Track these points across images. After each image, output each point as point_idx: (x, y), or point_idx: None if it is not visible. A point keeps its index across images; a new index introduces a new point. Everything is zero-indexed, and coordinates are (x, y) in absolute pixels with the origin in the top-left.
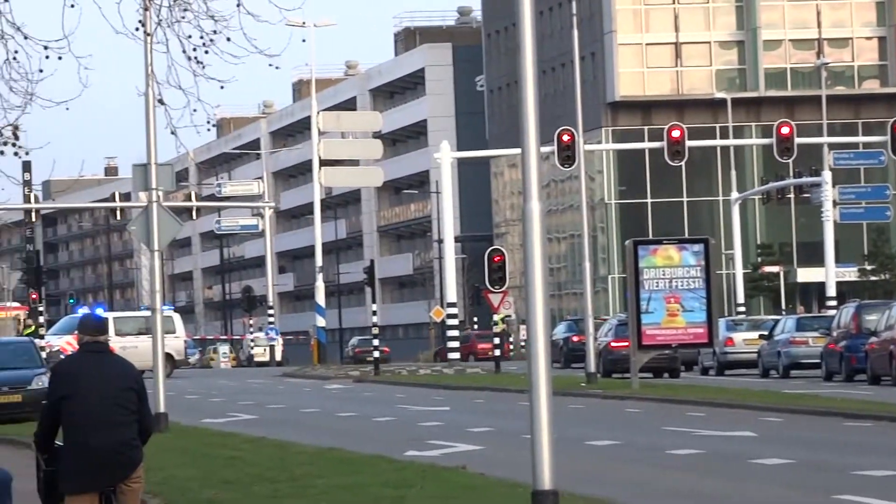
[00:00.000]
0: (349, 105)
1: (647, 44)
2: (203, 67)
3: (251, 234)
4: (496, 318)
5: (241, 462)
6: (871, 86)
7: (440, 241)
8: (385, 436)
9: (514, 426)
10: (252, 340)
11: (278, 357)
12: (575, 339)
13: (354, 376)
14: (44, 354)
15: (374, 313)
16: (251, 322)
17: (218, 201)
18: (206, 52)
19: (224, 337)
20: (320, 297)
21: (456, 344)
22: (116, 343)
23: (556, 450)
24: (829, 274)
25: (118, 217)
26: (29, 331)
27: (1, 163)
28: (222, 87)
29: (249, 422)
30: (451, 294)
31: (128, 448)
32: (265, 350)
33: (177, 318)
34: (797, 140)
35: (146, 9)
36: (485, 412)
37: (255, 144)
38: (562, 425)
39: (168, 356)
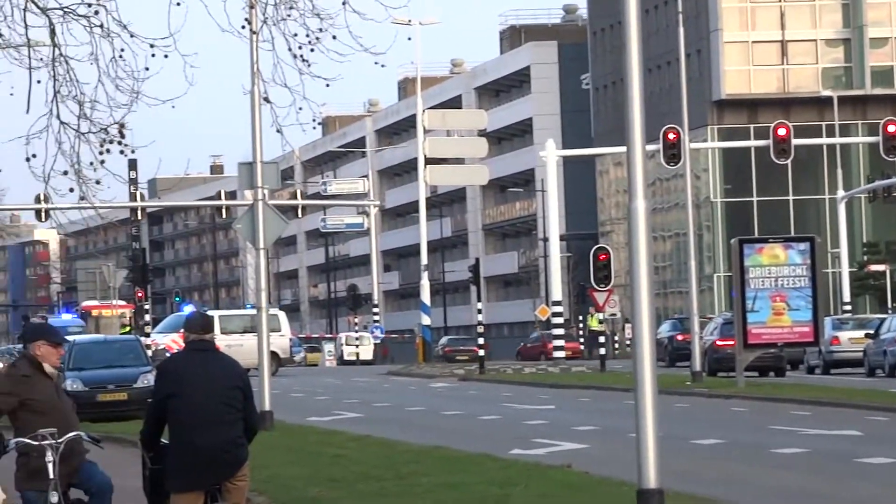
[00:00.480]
0: (454, 103)
1: (752, 41)
2: (309, 65)
3: (356, 233)
4: (594, 317)
5: (346, 460)
6: None
7: (545, 240)
8: (490, 434)
9: (619, 425)
10: (344, 340)
11: (369, 356)
12: (680, 337)
13: (459, 375)
14: (149, 352)
15: (479, 312)
16: (356, 320)
17: (323, 199)
18: (312, 50)
19: (329, 335)
20: (425, 296)
21: (561, 342)
22: (222, 341)
23: (662, 448)
24: None
25: (224, 215)
26: (125, 330)
27: (107, 161)
28: (328, 86)
29: (355, 420)
30: (557, 292)
31: (233, 446)
32: (356, 350)
33: (282, 316)
34: None
35: (252, 7)
36: (590, 411)
37: (360, 143)
38: (667, 424)
39: (273, 354)
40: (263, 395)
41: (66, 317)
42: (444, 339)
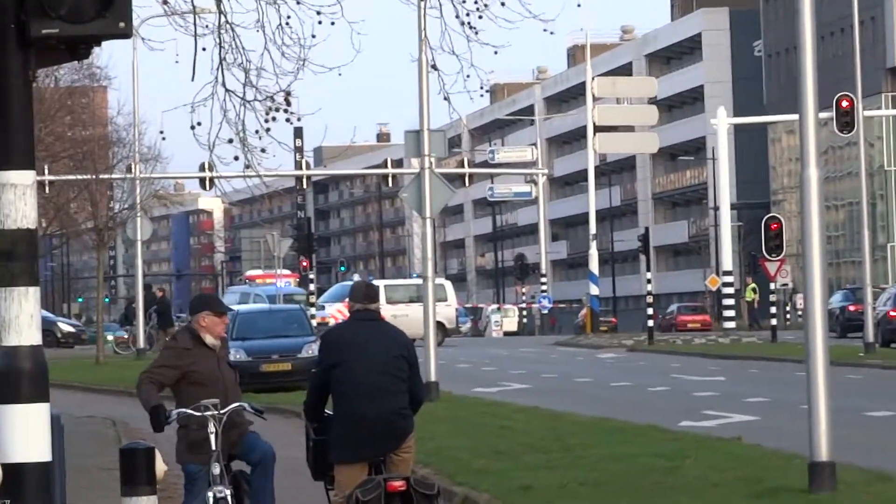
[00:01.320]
0: (624, 70)
1: None
2: (476, 33)
3: (524, 202)
4: (749, 288)
5: (512, 431)
6: None
7: (716, 209)
8: (659, 406)
9: (790, 397)
10: (490, 312)
11: (513, 327)
12: (851, 308)
13: (628, 345)
14: (314, 322)
15: (649, 281)
16: (524, 290)
17: (491, 168)
18: (480, 17)
19: (496, 305)
20: (594, 265)
21: (731, 312)
22: (387, 311)
23: (834, 421)
24: None
25: (390, 184)
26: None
27: (273, 129)
28: (496, 53)
29: (521, 391)
30: (727, 262)
31: (399, 417)
32: (499, 324)
33: (448, 285)
34: None
35: None
36: (760, 382)
37: (528, 110)
38: (839, 396)
39: (439, 324)
40: (429, 366)
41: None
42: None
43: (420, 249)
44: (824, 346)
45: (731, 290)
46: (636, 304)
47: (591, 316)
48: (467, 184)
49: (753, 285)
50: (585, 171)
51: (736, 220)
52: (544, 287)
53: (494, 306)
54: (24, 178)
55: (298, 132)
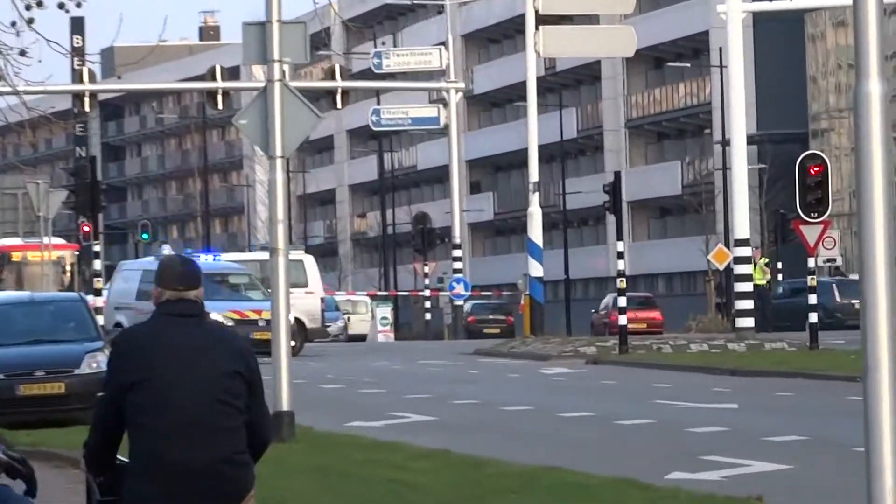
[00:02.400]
0: None
1: None
2: None
3: (428, 133)
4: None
5: (408, 489)
6: None
7: (724, 143)
8: (637, 448)
9: (837, 433)
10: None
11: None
12: None
13: (588, 355)
14: (100, 320)
15: (621, 256)
16: (426, 270)
17: (377, 80)
18: None
19: (384, 293)
20: (535, 232)
21: (748, 304)
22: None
23: None
24: None
25: (219, 105)
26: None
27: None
28: None
29: (424, 426)
30: (742, 226)
31: (231, 466)
32: (388, 321)
33: (310, 263)
34: None
35: None
36: (793, 411)
37: None
38: None
39: (297, 323)
40: (279, 387)
41: (207, 258)
42: (468, 305)
43: (266, 207)
44: (893, 355)
45: (747, 270)
46: (601, 291)
47: (532, 310)
48: (340, 105)
49: (765, 259)
50: (523, 85)
51: (756, 162)
52: (459, 265)
53: (382, 294)
54: None
55: (78, 26)
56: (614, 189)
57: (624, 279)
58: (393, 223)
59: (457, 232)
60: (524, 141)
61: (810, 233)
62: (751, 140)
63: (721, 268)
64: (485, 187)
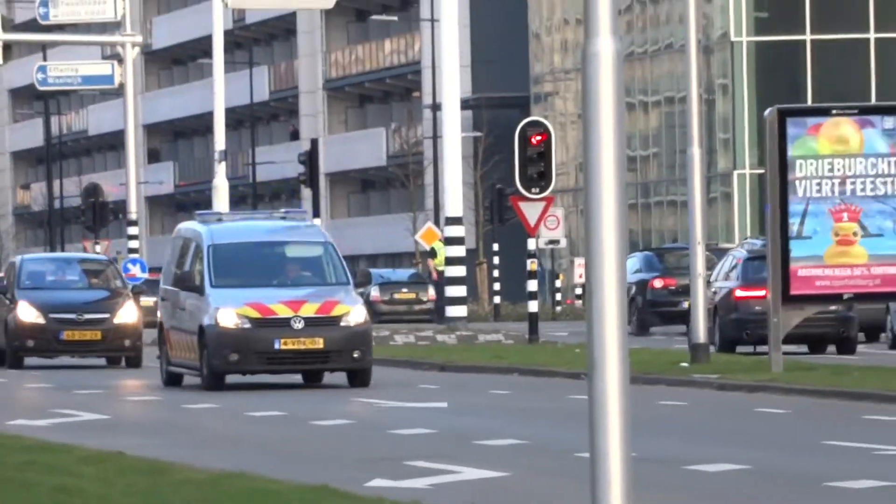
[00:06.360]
0: None
1: None
2: None
3: (101, 93)
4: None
5: (77, 497)
6: None
7: (435, 108)
8: (333, 452)
9: (558, 435)
10: None
11: None
12: (658, 283)
13: None
14: None
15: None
16: (97, 248)
17: (42, 34)
18: None
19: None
20: (221, 207)
21: (461, 291)
22: None
23: (636, 480)
24: None
25: None
26: None
27: None
28: None
29: (98, 425)
30: (454, 202)
31: None
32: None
33: None
34: None
35: None
36: (510, 411)
37: None
38: (647, 436)
39: None
40: None
41: None
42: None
43: None
44: (622, 350)
45: (460, 252)
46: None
47: None
48: (0, 61)
49: (440, 240)
50: (208, 40)
51: (471, 129)
52: (135, 244)
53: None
54: None
55: None
56: (310, 159)
57: None
58: (61, 196)
59: (133, 206)
60: (209, 104)
61: (531, 210)
62: (465, 105)
63: (429, 248)
64: (164, 156)
